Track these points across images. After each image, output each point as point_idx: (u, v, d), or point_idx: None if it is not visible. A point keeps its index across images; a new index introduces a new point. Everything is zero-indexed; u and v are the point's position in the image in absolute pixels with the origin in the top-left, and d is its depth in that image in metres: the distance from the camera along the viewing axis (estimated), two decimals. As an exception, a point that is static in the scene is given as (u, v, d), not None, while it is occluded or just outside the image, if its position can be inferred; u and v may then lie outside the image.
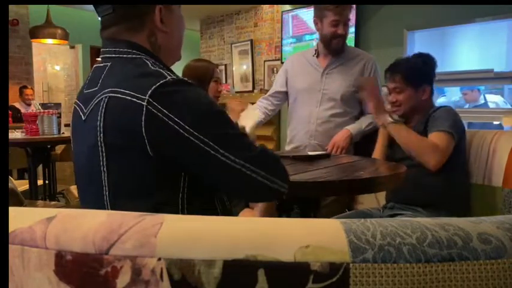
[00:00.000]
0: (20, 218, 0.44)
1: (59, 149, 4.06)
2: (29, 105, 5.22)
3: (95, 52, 6.89)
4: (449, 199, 1.64)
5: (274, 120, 4.58)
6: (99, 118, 0.81)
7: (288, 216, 1.52)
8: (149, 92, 0.77)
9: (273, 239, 0.39)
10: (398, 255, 0.37)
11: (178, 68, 1.18)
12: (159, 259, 0.38)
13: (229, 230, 0.40)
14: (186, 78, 0.83)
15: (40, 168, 3.33)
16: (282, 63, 4.68)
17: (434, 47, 3.71)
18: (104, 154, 0.81)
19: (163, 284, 0.37)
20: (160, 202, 0.81)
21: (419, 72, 1.73)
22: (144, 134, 0.77)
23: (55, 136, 2.73)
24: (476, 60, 3.66)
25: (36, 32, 4.51)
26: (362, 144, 2.10)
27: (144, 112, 0.76)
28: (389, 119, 1.69)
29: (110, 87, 0.81)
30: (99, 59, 0.92)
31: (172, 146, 0.78)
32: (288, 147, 2.26)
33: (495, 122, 3.53)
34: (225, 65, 5.66)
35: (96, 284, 0.38)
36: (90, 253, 0.39)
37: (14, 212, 0.46)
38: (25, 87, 5.53)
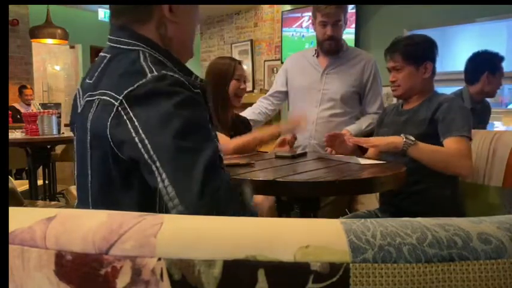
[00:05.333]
0: (20, 218, 0.44)
1: (59, 149, 4.06)
2: (29, 105, 5.19)
3: (94, 52, 6.89)
4: (442, 205, 1.60)
5: (274, 120, 4.59)
6: (89, 119, 0.81)
7: (288, 216, 1.52)
8: (124, 93, 0.75)
9: (273, 239, 0.39)
10: (399, 255, 0.37)
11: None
12: (159, 259, 0.38)
13: (229, 230, 0.40)
14: (179, 78, 0.77)
15: (40, 168, 3.33)
16: (282, 63, 4.68)
17: (434, 47, 3.70)
18: (90, 154, 0.82)
19: (163, 284, 0.37)
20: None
21: (420, 48, 1.62)
22: (108, 134, 0.76)
23: (55, 136, 2.73)
24: (476, 60, 3.65)
25: (36, 32, 4.51)
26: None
27: (113, 112, 0.75)
28: (402, 140, 1.50)
29: (102, 89, 0.80)
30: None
31: (127, 149, 0.76)
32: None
33: (495, 122, 3.53)
34: (225, 65, 5.67)
35: (96, 284, 0.38)
36: (90, 253, 0.39)
37: (14, 212, 0.46)
38: (24, 87, 5.51)
